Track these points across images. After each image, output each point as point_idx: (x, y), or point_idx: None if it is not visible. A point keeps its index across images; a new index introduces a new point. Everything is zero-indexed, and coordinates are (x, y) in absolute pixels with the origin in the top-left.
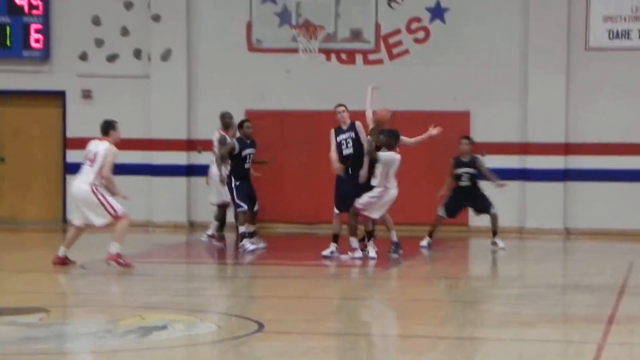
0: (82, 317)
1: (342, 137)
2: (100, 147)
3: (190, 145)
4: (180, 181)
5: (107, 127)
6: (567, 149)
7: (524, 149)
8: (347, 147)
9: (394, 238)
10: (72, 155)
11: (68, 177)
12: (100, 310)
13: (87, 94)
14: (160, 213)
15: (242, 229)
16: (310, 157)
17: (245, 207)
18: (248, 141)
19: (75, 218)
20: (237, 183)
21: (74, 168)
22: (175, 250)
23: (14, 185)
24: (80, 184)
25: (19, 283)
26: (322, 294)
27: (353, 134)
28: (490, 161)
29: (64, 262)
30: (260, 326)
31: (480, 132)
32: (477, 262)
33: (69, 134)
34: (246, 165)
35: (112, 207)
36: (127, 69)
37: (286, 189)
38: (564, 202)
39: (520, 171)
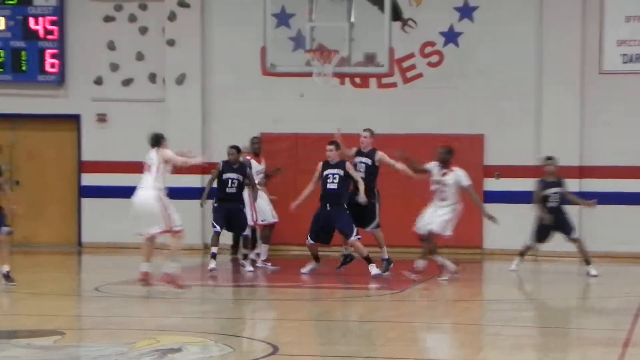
0: (97, 340)
1: (328, 171)
2: (153, 154)
3: (205, 168)
4: (195, 204)
5: (158, 139)
6: (581, 171)
7: (538, 172)
8: (332, 182)
9: (385, 255)
10: (87, 179)
11: (84, 200)
12: (115, 333)
13: (102, 118)
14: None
15: (213, 249)
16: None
17: (218, 228)
18: (234, 166)
19: (139, 230)
20: (216, 205)
21: (89, 191)
22: (189, 273)
23: (28, 208)
24: (145, 191)
25: (34, 306)
26: (337, 317)
27: (342, 172)
28: (504, 184)
29: (146, 278)
30: (275, 349)
31: (494, 155)
32: (491, 285)
33: (84, 158)
34: (227, 190)
35: (170, 218)
36: (142, 93)
37: (300, 212)
38: (578, 224)
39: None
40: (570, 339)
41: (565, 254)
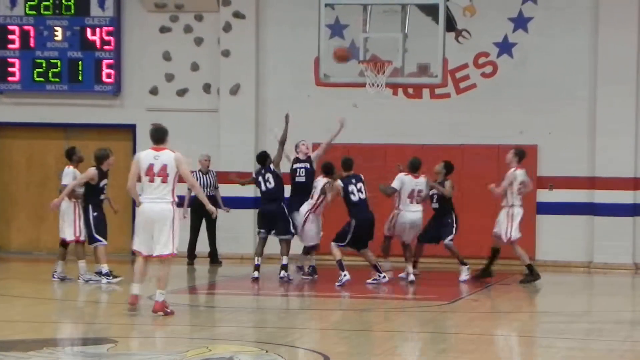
0: (149, 348)
1: (298, 165)
2: (168, 155)
3: None
4: (248, 213)
5: (165, 134)
6: (637, 183)
7: (592, 183)
8: (299, 175)
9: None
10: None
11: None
12: (168, 342)
13: None
14: (226, 245)
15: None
16: (376, 190)
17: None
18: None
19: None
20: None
21: None
22: (241, 282)
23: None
24: (161, 205)
25: (87, 313)
26: (388, 327)
27: (308, 165)
28: (558, 195)
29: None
30: (327, 359)
31: (547, 166)
32: (543, 296)
33: None
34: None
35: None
36: (196, 103)
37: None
38: (633, 236)
39: (589, 205)
40: (624, 351)
41: (619, 266)
